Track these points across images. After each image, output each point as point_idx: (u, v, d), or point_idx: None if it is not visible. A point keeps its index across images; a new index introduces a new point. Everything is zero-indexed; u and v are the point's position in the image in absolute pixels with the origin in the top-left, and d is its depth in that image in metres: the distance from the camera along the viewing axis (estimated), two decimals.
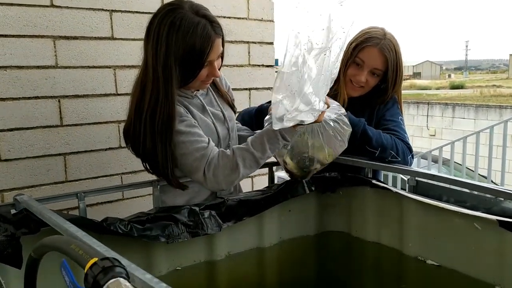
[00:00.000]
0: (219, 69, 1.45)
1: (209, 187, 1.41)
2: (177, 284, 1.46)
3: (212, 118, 1.51)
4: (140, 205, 1.88)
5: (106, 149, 1.88)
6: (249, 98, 2.30)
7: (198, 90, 1.50)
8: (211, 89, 1.57)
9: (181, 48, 1.31)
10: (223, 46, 1.41)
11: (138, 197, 1.97)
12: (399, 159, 1.65)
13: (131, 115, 1.40)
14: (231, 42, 2.17)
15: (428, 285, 1.50)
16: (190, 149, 1.37)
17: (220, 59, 1.44)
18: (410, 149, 1.71)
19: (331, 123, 1.47)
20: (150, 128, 1.35)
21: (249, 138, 1.43)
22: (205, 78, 1.41)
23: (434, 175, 1.47)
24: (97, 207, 1.86)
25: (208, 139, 1.42)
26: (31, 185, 1.73)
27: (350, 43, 1.79)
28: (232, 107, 1.64)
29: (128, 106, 1.42)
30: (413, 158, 1.72)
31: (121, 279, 0.61)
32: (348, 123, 1.51)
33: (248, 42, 2.25)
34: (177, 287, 1.45)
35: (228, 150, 1.41)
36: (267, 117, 1.47)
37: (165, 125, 1.34)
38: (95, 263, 0.64)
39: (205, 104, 1.51)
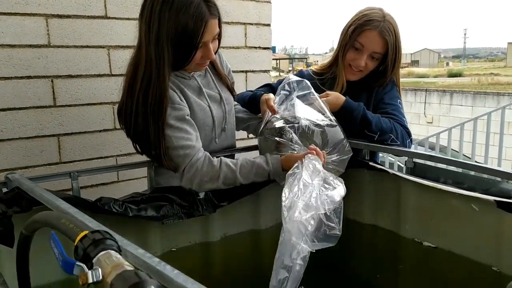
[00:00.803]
0: (216, 52, 1.42)
1: (182, 183, 1.42)
2: (172, 265, 1.45)
3: (208, 100, 1.49)
4: (135, 187, 1.85)
5: (100, 131, 1.86)
6: (246, 80, 2.27)
7: (196, 72, 1.48)
8: (209, 70, 1.54)
9: (173, 27, 1.27)
10: (220, 27, 1.37)
11: (133, 179, 1.95)
12: (398, 143, 1.64)
13: (124, 94, 1.38)
14: (227, 23, 2.13)
15: (424, 267, 1.49)
16: (174, 145, 1.37)
17: (216, 41, 1.40)
18: (408, 133, 1.69)
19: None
20: (143, 108, 1.33)
21: (240, 160, 1.43)
22: (199, 60, 1.38)
23: (431, 156, 1.45)
24: (91, 189, 1.85)
25: (196, 136, 1.41)
26: (25, 166, 1.70)
27: (348, 26, 1.75)
28: (231, 90, 1.61)
29: (122, 86, 1.40)
30: (411, 142, 1.71)
31: (112, 252, 0.59)
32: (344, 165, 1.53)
33: (244, 24, 2.22)
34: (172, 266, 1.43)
35: (215, 159, 1.41)
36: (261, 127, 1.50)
37: (157, 105, 1.32)
38: (85, 236, 0.62)
39: (202, 86, 1.48)
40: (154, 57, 1.30)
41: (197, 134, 1.42)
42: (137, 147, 1.43)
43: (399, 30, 1.75)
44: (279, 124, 1.48)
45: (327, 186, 1.30)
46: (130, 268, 0.56)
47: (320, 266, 1.60)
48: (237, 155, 1.76)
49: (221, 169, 1.39)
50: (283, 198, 1.24)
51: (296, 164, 1.34)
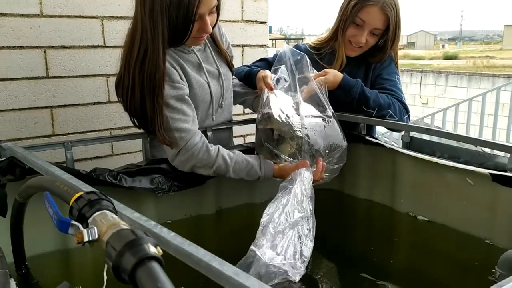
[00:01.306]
0: (214, 26, 1.38)
1: (173, 163, 1.42)
2: None
3: (207, 76, 1.46)
4: (130, 161, 1.84)
5: (94, 103, 1.83)
6: (242, 55, 2.24)
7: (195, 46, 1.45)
8: (208, 44, 1.51)
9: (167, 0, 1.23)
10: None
11: (128, 153, 1.94)
12: (396, 119, 1.63)
13: (121, 66, 1.35)
14: None
15: (418, 240, 1.50)
16: (170, 126, 1.35)
17: (214, 14, 1.35)
18: (406, 109, 1.69)
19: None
20: (139, 81, 1.30)
21: (236, 156, 1.43)
22: (196, 33, 1.33)
23: (428, 129, 1.45)
24: (85, 162, 1.83)
25: (194, 117, 1.40)
26: (18, 138, 1.68)
27: (348, 1, 1.72)
28: (230, 65, 1.58)
29: (120, 57, 1.37)
30: (409, 118, 1.71)
31: (108, 212, 0.59)
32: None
33: None
34: None
35: (213, 147, 1.40)
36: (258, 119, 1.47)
37: (153, 80, 1.29)
38: (80, 197, 0.61)
39: (202, 62, 1.45)
40: (149, 30, 1.26)
41: (194, 115, 1.40)
42: (135, 121, 1.41)
43: (399, 4, 1.72)
44: (276, 112, 1.44)
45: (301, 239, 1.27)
46: (126, 227, 0.55)
47: (315, 239, 1.61)
48: (235, 129, 1.76)
49: (217, 160, 1.40)
50: (264, 213, 1.25)
51: (289, 177, 1.37)
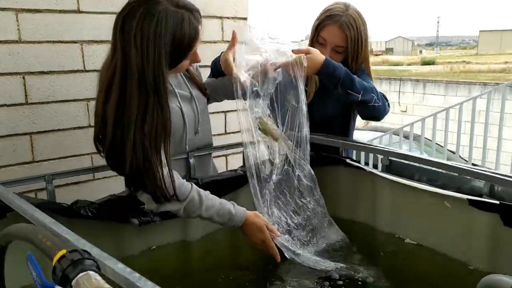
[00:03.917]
0: None
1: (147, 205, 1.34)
2: (151, 265, 1.45)
3: (180, 102, 1.46)
4: (111, 185, 1.83)
5: (74, 128, 1.82)
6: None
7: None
8: None
9: (169, 48, 1.20)
10: None
11: (109, 177, 1.92)
12: (380, 104, 1.63)
13: (109, 126, 1.22)
14: (204, 17, 2.09)
15: (399, 260, 1.53)
16: None
17: None
18: (385, 97, 1.71)
19: None
20: (141, 140, 1.20)
21: (208, 194, 1.36)
22: (187, 66, 1.39)
23: (406, 155, 1.48)
24: (67, 188, 1.81)
25: None
26: None
27: (314, 22, 1.81)
28: (202, 88, 1.58)
29: (98, 108, 1.26)
30: (389, 106, 1.72)
31: (91, 273, 0.59)
32: None
33: (221, 17, 2.19)
34: (151, 267, 1.43)
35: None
36: None
37: (160, 133, 1.23)
38: (63, 256, 0.61)
39: (174, 87, 1.45)
40: (152, 82, 1.19)
41: None
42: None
43: (362, 22, 1.78)
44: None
45: None
46: None
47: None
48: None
49: (191, 192, 1.32)
50: None
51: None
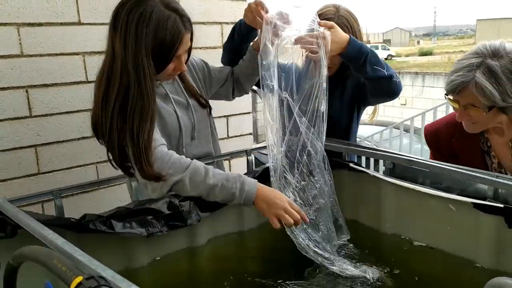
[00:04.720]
0: (186, 62, 1.43)
1: (151, 193, 1.38)
2: (160, 275, 1.46)
3: (174, 106, 1.50)
4: (117, 193, 1.85)
5: (79, 139, 1.84)
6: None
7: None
8: (177, 78, 1.55)
9: (151, 42, 1.27)
10: (191, 41, 1.39)
11: (114, 185, 1.94)
12: (399, 80, 1.63)
13: (97, 110, 1.34)
14: (204, 23, 2.12)
15: (405, 262, 1.54)
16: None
17: (186, 54, 1.42)
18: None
19: None
20: (120, 123, 1.30)
21: (218, 170, 1.36)
22: (171, 71, 1.40)
23: (410, 160, 1.49)
24: (73, 198, 1.83)
25: (160, 134, 1.39)
26: (3, 179, 1.68)
27: None
28: (199, 98, 1.59)
29: (94, 100, 1.37)
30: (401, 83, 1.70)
31: None
32: None
33: (220, 23, 2.20)
34: (160, 278, 1.45)
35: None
36: None
37: (141, 120, 1.29)
38: (80, 283, 0.63)
39: (168, 92, 1.49)
40: (132, 69, 1.28)
41: (159, 135, 1.39)
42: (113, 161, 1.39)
43: (355, 22, 1.77)
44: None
45: None
46: None
47: (303, 264, 1.64)
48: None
49: (192, 162, 1.33)
50: None
51: None
